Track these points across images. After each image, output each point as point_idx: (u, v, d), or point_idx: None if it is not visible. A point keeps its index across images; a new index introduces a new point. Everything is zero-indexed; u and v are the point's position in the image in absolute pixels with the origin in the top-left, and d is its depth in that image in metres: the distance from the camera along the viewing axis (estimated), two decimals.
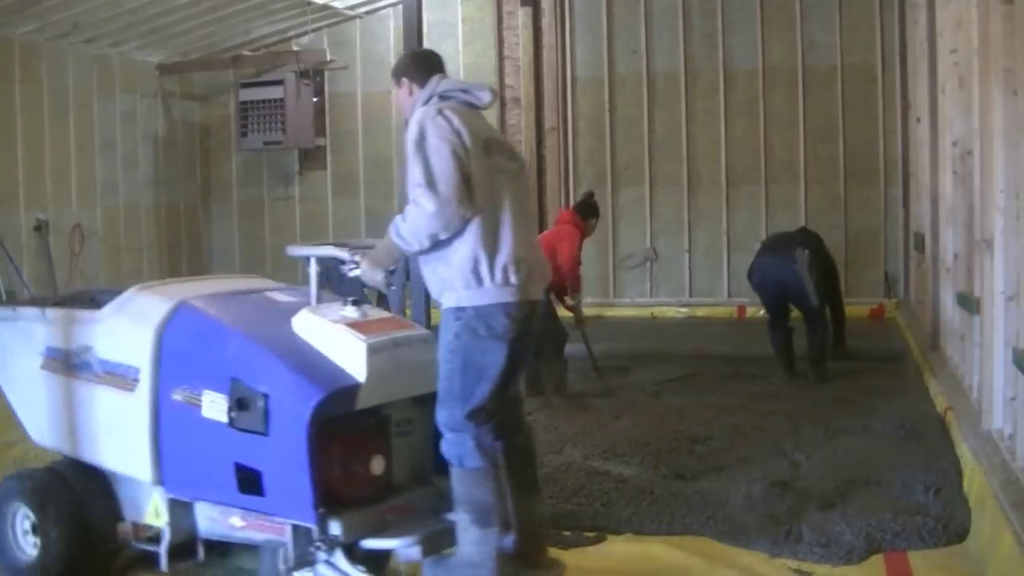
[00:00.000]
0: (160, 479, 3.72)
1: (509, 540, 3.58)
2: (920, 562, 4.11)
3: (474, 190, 3.54)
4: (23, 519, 4.05)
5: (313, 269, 3.86)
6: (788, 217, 11.36)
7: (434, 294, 3.71)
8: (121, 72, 11.64)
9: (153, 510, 3.82)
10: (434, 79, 3.82)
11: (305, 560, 3.45)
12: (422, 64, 3.91)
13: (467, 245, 3.57)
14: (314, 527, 3.38)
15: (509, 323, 3.59)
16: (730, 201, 11.72)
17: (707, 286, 11.84)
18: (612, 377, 7.82)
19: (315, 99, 12.42)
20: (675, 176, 11.84)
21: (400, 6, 10.18)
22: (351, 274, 3.77)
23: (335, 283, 4.23)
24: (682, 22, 11.76)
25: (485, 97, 3.81)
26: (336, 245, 3.92)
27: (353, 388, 3.47)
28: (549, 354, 7.10)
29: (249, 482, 3.49)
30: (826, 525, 4.45)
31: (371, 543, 3.51)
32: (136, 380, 3.73)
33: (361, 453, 3.57)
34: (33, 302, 4.65)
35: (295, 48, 12.30)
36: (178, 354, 3.68)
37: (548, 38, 11.91)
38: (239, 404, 3.47)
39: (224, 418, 3.51)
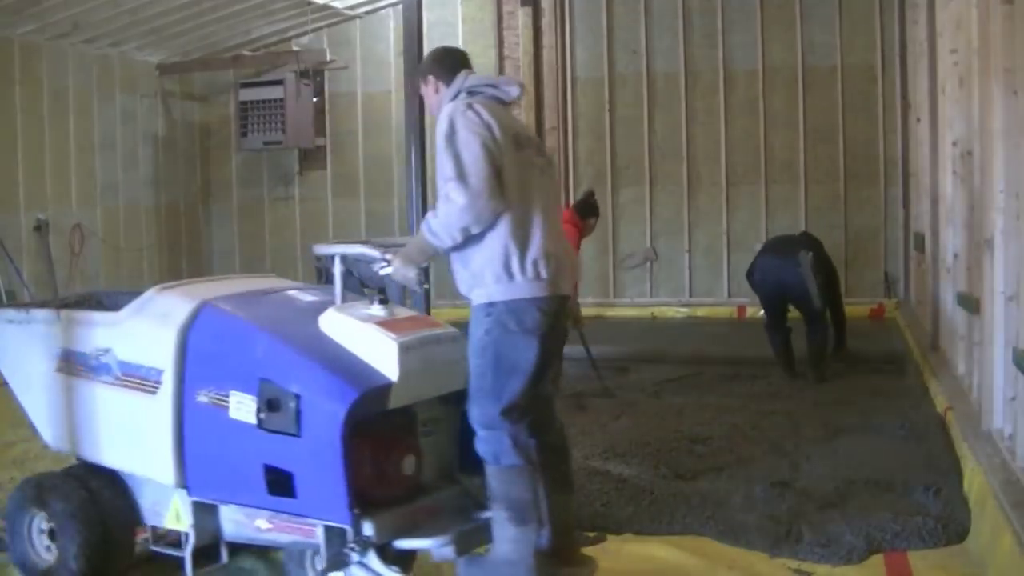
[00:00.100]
0: (183, 482, 3.67)
1: (545, 538, 3.56)
2: (920, 562, 4.11)
3: (505, 184, 3.52)
4: (40, 524, 4.02)
5: (338, 268, 3.81)
6: (788, 217, 11.36)
7: (463, 290, 3.68)
8: (121, 72, 11.64)
9: (173, 513, 3.78)
10: (461, 75, 3.82)
11: (338, 561, 3.42)
12: (448, 61, 3.91)
13: (498, 240, 3.55)
14: (348, 528, 3.35)
15: (540, 317, 3.57)
16: (730, 201, 11.72)
17: (707, 286, 11.84)
18: (612, 377, 7.82)
19: (315, 99, 12.42)
20: (675, 176, 11.84)
21: (400, 6, 10.17)
22: (382, 272, 3.73)
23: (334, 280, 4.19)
24: (682, 22, 11.75)
25: (513, 91, 3.80)
26: (364, 243, 3.89)
27: (385, 387, 3.44)
28: None
29: (279, 484, 3.44)
30: (826, 525, 4.46)
31: (405, 543, 3.49)
32: (158, 382, 3.68)
33: (392, 453, 3.54)
34: (39, 304, 4.54)
35: (295, 48, 12.30)
36: (203, 355, 3.63)
37: (548, 38, 11.90)
38: (269, 405, 3.42)
39: (253, 419, 3.46)
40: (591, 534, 4.42)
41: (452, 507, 3.69)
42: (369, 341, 3.51)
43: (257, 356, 3.52)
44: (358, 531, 3.35)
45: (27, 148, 10.20)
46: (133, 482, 3.93)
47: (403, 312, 3.82)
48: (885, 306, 11.09)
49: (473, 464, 3.71)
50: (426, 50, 9.21)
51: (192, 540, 3.70)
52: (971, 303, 5.76)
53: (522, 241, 3.57)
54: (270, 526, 3.55)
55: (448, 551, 3.50)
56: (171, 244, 12.55)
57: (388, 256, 3.69)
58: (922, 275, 9.03)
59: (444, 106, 3.75)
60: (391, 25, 12.30)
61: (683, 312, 11.70)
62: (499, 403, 3.55)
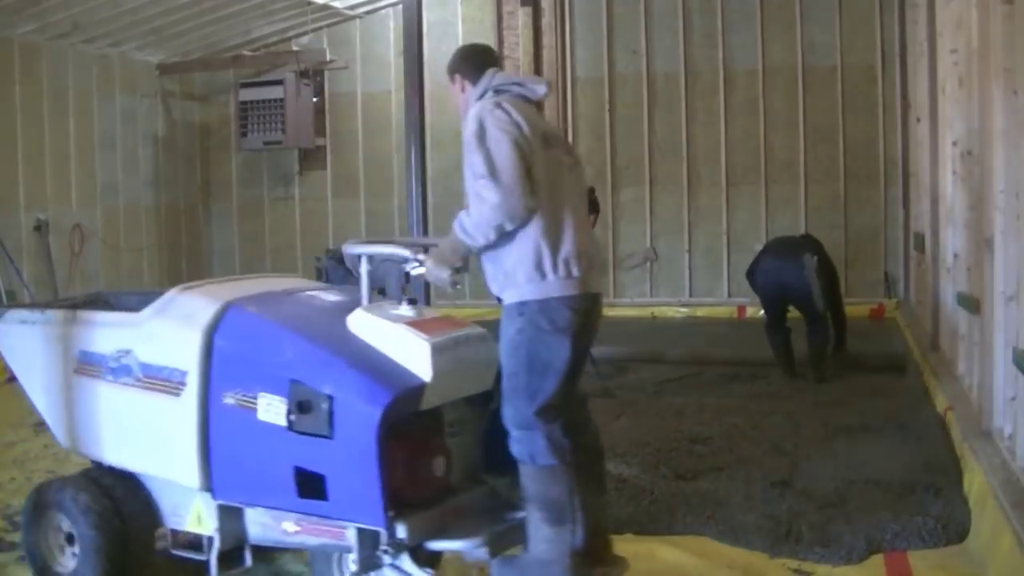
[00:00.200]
0: (207, 485, 3.61)
1: (580, 538, 3.54)
2: (920, 562, 4.11)
3: (535, 182, 3.50)
4: (58, 528, 3.96)
5: (364, 268, 3.77)
6: (788, 217, 11.37)
7: (495, 290, 3.66)
8: (121, 72, 11.64)
9: (195, 516, 3.73)
10: (488, 73, 3.79)
11: (370, 564, 3.39)
12: (474, 60, 3.88)
13: (530, 239, 3.53)
14: (383, 530, 3.31)
15: (572, 316, 3.55)
16: (730, 201, 11.72)
17: (707, 286, 11.84)
18: (612, 377, 7.82)
19: (315, 99, 12.42)
20: (675, 176, 11.84)
21: (400, 6, 10.17)
22: (414, 272, 3.70)
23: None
24: (682, 22, 11.76)
25: (540, 90, 3.78)
26: (395, 242, 3.84)
27: (419, 388, 3.41)
28: None
29: (310, 486, 3.39)
30: (826, 525, 4.46)
31: (438, 544, 3.46)
32: (182, 384, 3.61)
33: (423, 454, 3.52)
34: (54, 305, 4.46)
35: (295, 48, 12.30)
36: (229, 356, 3.57)
37: (548, 38, 11.90)
38: (300, 407, 3.37)
39: (282, 421, 3.41)
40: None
41: (480, 508, 3.66)
42: (400, 341, 3.48)
43: (287, 357, 3.47)
44: (392, 533, 3.32)
45: (27, 148, 10.20)
46: (153, 485, 3.88)
47: (431, 312, 3.79)
48: (885, 306, 11.10)
49: (498, 465, 3.70)
50: (426, 50, 9.27)
51: (217, 544, 3.64)
52: (971, 303, 5.76)
53: (554, 240, 3.55)
54: (297, 529, 3.50)
55: (482, 552, 3.47)
56: (171, 244, 12.55)
57: (420, 256, 3.65)
58: (922, 275, 9.03)
59: (471, 105, 3.73)
60: (391, 25, 12.31)
61: (683, 312, 11.70)
62: (533, 403, 3.52)
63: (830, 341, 7.94)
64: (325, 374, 3.38)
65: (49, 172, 10.53)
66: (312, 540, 3.51)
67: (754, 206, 11.63)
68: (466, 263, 3.68)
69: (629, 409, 6.86)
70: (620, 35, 11.99)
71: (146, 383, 3.73)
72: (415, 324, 3.54)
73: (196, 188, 13.07)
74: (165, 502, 3.85)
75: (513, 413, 3.56)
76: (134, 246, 11.80)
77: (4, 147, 9.94)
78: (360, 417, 3.28)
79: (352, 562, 3.45)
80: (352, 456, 3.30)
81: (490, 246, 3.55)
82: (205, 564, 3.71)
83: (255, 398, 3.48)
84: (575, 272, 3.57)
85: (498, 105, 3.57)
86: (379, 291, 3.77)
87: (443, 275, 3.59)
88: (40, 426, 6.86)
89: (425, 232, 7.45)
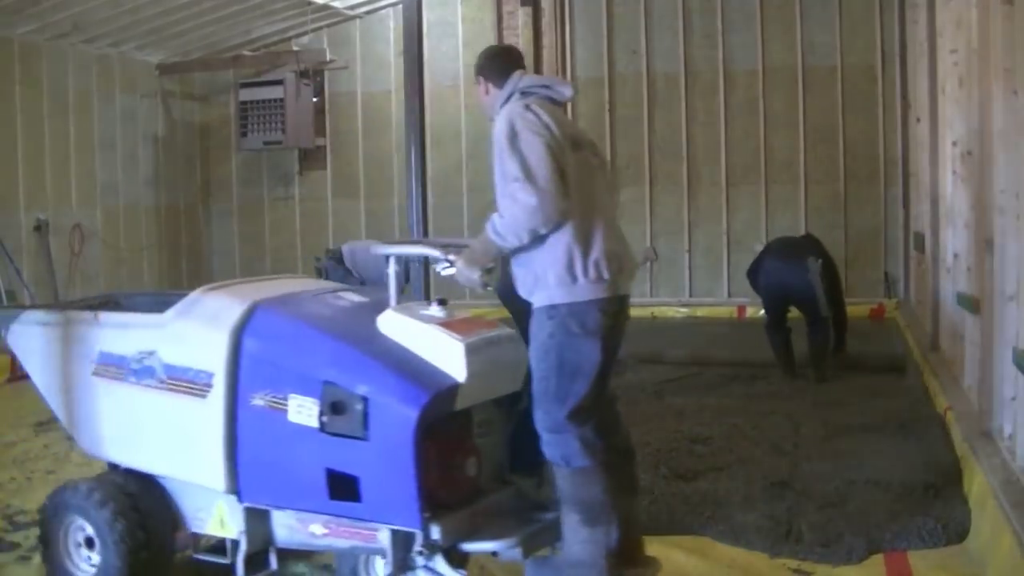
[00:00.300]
0: (234, 487, 3.56)
1: (615, 539, 3.54)
2: (920, 562, 4.11)
3: (568, 184, 3.49)
4: (77, 533, 3.89)
5: (392, 268, 3.76)
6: (788, 217, 11.37)
7: (523, 293, 3.64)
8: (121, 72, 11.64)
9: (217, 520, 3.70)
10: (515, 75, 3.78)
11: (404, 566, 3.38)
12: (498, 63, 3.87)
13: (561, 241, 3.51)
14: (418, 532, 3.30)
15: (602, 319, 3.55)
16: (730, 201, 11.72)
17: (707, 286, 11.85)
18: (611, 377, 7.80)
19: (315, 99, 12.43)
20: (675, 176, 11.84)
21: (400, 6, 10.17)
22: (444, 272, 3.69)
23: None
24: (682, 22, 11.76)
25: (566, 92, 3.78)
26: (425, 243, 3.86)
27: (453, 389, 3.39)
28: None
29: (342, 488, 3.36)
30: (826, 525, 4.45)
31: (472, 546, 3.45)
32: (208, 385, 3.57)
33: (456, 455, 3.51)
34: (64, 306, 4.43)
35: (295, 48, 12.30)
36: (258, 357, 3.53)
37: (548, 38, 11.90)
38: (333, 408, 3.34)
39: (314, 423, 3.38)
40: None
41: (509, 509, 3.66)
42: (434, 342, 3.46)
43: (319, 358, 3.43)
44: (427, 535, 3.31)
45: (27, 148, 10.20)
46: (174, 487, 3.83)
47: (461, 313, 3.78)
48: (885, 306, 11.10)
49: (524, 465, 3.70)
50: (426, 50, 9.27)
51: (244, 547, 3.61)
52: (971, 303, 5.76)
53: (585, 242, 3.54)
54: (326, 531, 3.48)
55: (516, 553, 3.46)
56: (171, 244, 12.55)
57: (451, 257, 3.64)
58: (922, 275, 9.03)
59: (497, 107, 3.73)
60: (391, 25, 12.31)
61: (683, 312, 11.70)
62: (564, 407, 3.52)
63: (831, 341, 7.93)
64: (359, 375, 3.35)
65: (49, 172, 10.53)
66: (341, 542, 3.48)
67: (754, 206, 11.63)
68: (497, 264, 3.67)
69: (629, 409, 6.83)
70: (620, 35, 11.99)
71: (170, 384, 3.68)
72: (447, 324, 3.53)
73: (196, 188, 13.07)
74: (186, 505, 3.81)
75: (544, 417, 3.55)
76: (134, 246, 11.80)
77: (4, 147, 9.94)
78: (397, 418, 3.26)
79: (382, 564, 3.44)
80: (388, 457, 3.27)
81: (521, 248, 3.54)
82: (227, 568, 3.68)
83: (285, 399, 3.45)
84: (605, 275, 3.56)
85: (528, 107, 3.57)
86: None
87: (474, 276, 3.58)
88: (40, 426, 6.89)
89: (425, 232, 7.45)
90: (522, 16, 11.92)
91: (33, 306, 5.10)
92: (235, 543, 3.66)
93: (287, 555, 3.87)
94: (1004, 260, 4.79)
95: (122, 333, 3.88)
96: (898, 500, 4.78)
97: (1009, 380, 4.72)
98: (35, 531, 4.66)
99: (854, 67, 11.32)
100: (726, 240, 11.72)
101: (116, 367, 3.85)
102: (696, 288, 11.88)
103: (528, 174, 3.42)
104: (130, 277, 11.53)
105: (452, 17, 12.18)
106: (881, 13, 11.20)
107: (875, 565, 4.10)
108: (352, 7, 12.15)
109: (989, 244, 5.05)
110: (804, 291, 7.56)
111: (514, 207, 3.44)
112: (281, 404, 3.46)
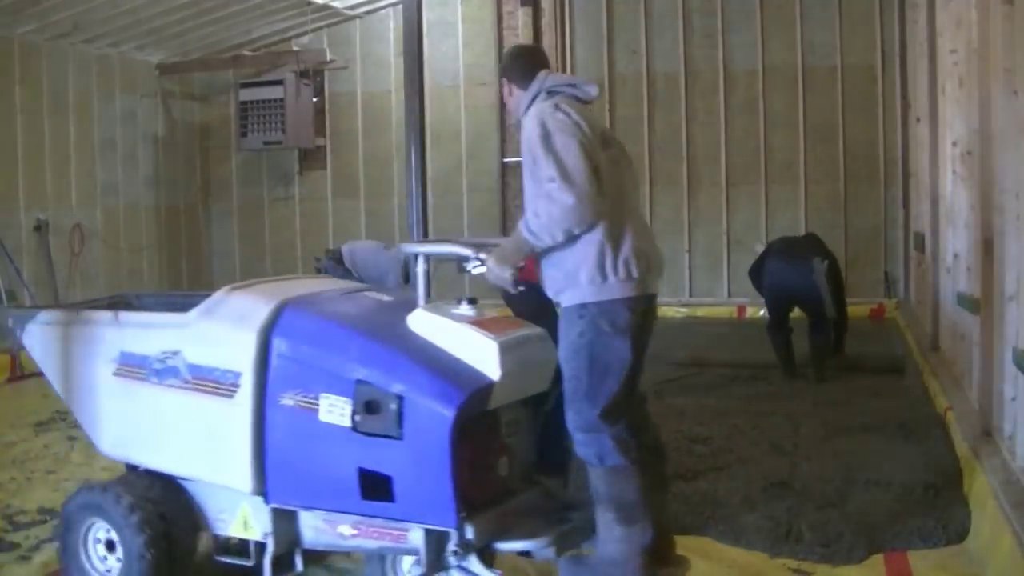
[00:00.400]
0: (261, 488, 3.53)
1: (649, 537, 3.53)
2: (920, 562, 4.11)
3: (602, 182, 3.48)
4: (98, 535, 3.84)
5: (421, 267, 3.75)
6: (788, 217, 11.37)
7: (551, 292, 3.64)
8: (121, 72, 11.64)
9: (240, 521, 3.66)
10: (540, 75, 3.78)
11: (437, 566, 3.36)
12: (521, 63, 3.87)
13: (594, 240, 3.51)
14: (453, 532, 3.29)
15: (631, 317, 3.54)
16: (730, 201, 11.72)
17: (707, 286, 11.84)
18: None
19: (315, 99, 12.42)
20: (675, 176, 11.84)
21: (400, 6, 10.17)
22: (475, 271, 3.68)
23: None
24: (682, 22, 11.76)
25: (592, 91, 3.78)
26: (454, 242, 3.83)
27: (488, 388, 3.37)
28: None
29: (375, 488, 3.34)
30: (826, 525, 4.46)
31: (506, 545, 3.44)
32: (235, 385, 3.53)
33: (488, 455, 3.51)
34: (84, 305, 4.39)
35: (295, 48, 12.30)
36: (287, 357, 3.49)
37: (548, 38, 11.90)
38: (367, 407, 3.32)
39: (347, 422, 3.35)
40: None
41: (538, 508, 3.65)
42: (467, 341, 3.45)
43: (351, 357, 3.40)
44: (461, 534, 3.30)
45: (27, 148, 10.20)
46: (195, 489, 3.79)
47: (491, 312, 3.77)
48: (885, 306, 11.10)
49: (551, 466, 3.70)
50: (426, 50, 9.27)
51: (271, 548, 3.56)
52: (971, 303, 5.76)
53: (616, 240, 3.54)
54: (355, 532, 3.45)
55: (550, 552, 3.46)
56: (171, 244, 12.55)
57: (482, 256, 3.63)
58: (922, 275, 9.03)
59: (522, 108, 3.73)
60: (391, 25, 12.31)
61: (683, 312, 11.69)
62: (596, 406, 3.51)
63: (832, 341, 7.93)
64: (394, 374, 3.33)
65: (49, 172, 10.53)
66: (370, 543, 3.45)
67: (754, 206, 11.63)
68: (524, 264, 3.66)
69: None
70: (620, 35, 11.99)
71: (195, 384, 3.64)
72: (479, 323, 3.52)
73: (196, 188, 13.07)
74: (209, 506, 3.77)
75: (576, 417, 3.54)
76: (134, 246, 11.80)
77: (4, 147, 9.94)
78: (433, 417, 3.24)
79: (409, 565, 3.43)
80: (423, 457, 3.25)
81: (552, 248, 3.53)
82: (250, 569, 3.65)
83: (316, 399, 3.42)
84: (635, 273, 3.55)
85: (557, 107, 3.56)
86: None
87: (505, 275, 3.57)
88: (40, 426, 6.89)
89: (425, 232, 7.45)
90: (522, 16, 11.93)
91: (50, 306, 5.07)
92: (259, 545, 3.62)
93: (307, 558, 3.86)
94: (1004, 260, 4.79)
95: (144, 333, 3.83)
96: (898, 500, 4.79)
97: (1009, 380, 4.72)
98: (35, 531, 4.69)
99: (854, 67, 11.31)
100: (726, 240, 11.72)
101: (138, 367, 3.80)
102: (696, 288, 11.87)
103: (564, 174, 3.40)
104: (130, 277, 11.52)
105: (452, 17, 12.17)
106: (881, 13, 11.20)
107: (875, 565, 4.10)
108: (352, 7, 12.15)
109: (989, 244, 5.05)
110: (808, 292, 7.54)
111: (552, 207, 3.42)
112: (312, 404, 3.43)
